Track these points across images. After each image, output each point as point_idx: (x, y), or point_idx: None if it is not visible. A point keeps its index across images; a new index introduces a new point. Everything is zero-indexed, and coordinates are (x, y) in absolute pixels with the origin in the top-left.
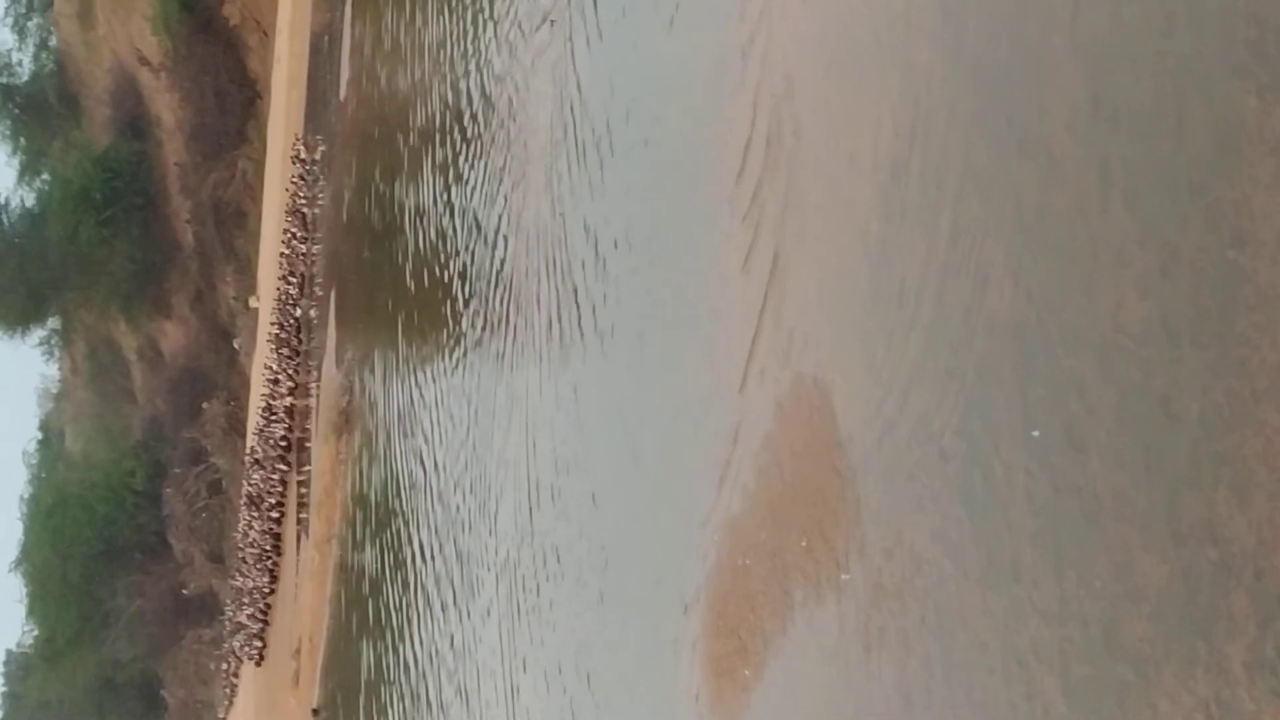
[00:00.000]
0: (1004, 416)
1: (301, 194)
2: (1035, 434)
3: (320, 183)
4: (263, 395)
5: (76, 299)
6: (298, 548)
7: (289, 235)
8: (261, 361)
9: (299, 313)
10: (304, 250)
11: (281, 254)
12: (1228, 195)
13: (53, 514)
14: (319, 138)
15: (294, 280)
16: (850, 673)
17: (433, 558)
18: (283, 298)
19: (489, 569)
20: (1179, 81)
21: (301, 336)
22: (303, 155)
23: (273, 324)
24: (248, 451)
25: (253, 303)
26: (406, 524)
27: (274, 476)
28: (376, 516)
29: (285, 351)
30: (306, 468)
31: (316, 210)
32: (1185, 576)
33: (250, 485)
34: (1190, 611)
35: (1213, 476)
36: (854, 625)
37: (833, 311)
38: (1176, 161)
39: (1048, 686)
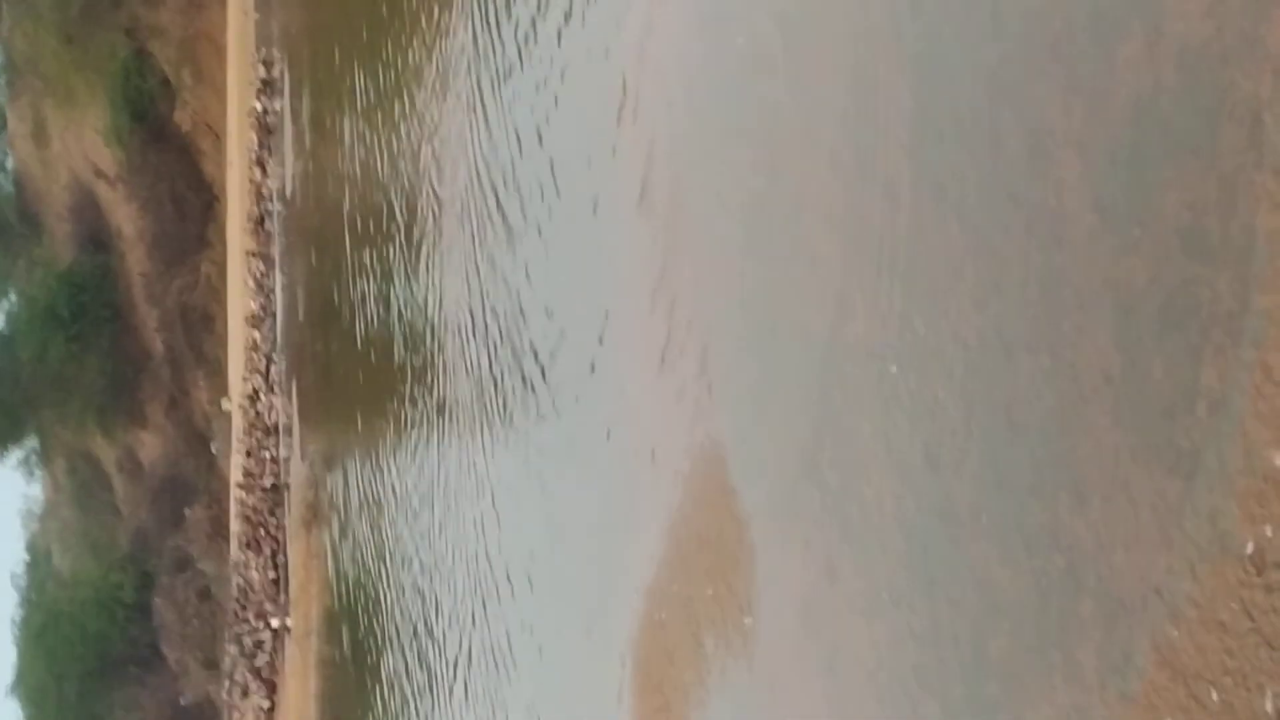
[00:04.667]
0: (870, 443)
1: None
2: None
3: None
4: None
5: (52, 416)
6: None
7: (252, 337)
8: (235, 463)
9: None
10: (266, 348)
11: (248, 353)
12: (1041, 199)
13: (44, 634)
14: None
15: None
16: None
17: (402, 649)
18: (250, 397)
19: (451, 656)
20: (991, 91)
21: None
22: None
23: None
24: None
25: (225, 405)
26: (375, 615)
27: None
28: (348, 609)
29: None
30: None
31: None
32: (1037, 587)
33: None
34: (1045, 622)
35: (1053, 483)
36: (759, 670)
37: (717, 357)
38: (996, 170)
39: (930, 712)
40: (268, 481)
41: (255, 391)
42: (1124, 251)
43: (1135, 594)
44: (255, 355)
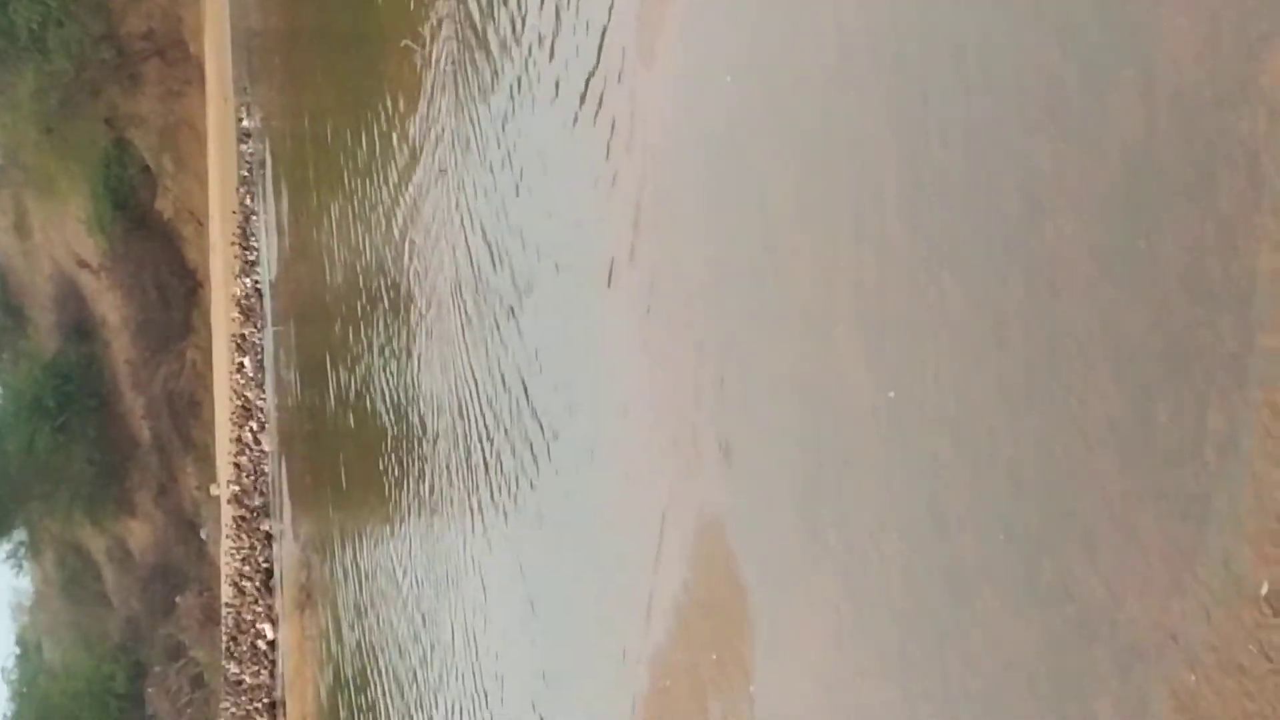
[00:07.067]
0: (873, 503)
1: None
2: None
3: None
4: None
5: (40, 508)
6: None
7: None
8: (225, 549)
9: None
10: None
11: (233, 440)
12: (1038, 250)
13: None
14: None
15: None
16: None
17: None
18: (241, 485)
19: None
20: (986, 146)
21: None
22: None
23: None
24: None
25: (214, 490)
26: (372, 698)
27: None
28: (345, 692)
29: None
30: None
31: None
32: (1050, 639)
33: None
34: (1059, 674)
35: (1062, 534)
36: None
37: (713, 419)
38: (992, 225)
39: None
40: (259, 565)
41: (243, 476)
42: (1124, 298)
43: (1150, 641)
44: (243, 438)
